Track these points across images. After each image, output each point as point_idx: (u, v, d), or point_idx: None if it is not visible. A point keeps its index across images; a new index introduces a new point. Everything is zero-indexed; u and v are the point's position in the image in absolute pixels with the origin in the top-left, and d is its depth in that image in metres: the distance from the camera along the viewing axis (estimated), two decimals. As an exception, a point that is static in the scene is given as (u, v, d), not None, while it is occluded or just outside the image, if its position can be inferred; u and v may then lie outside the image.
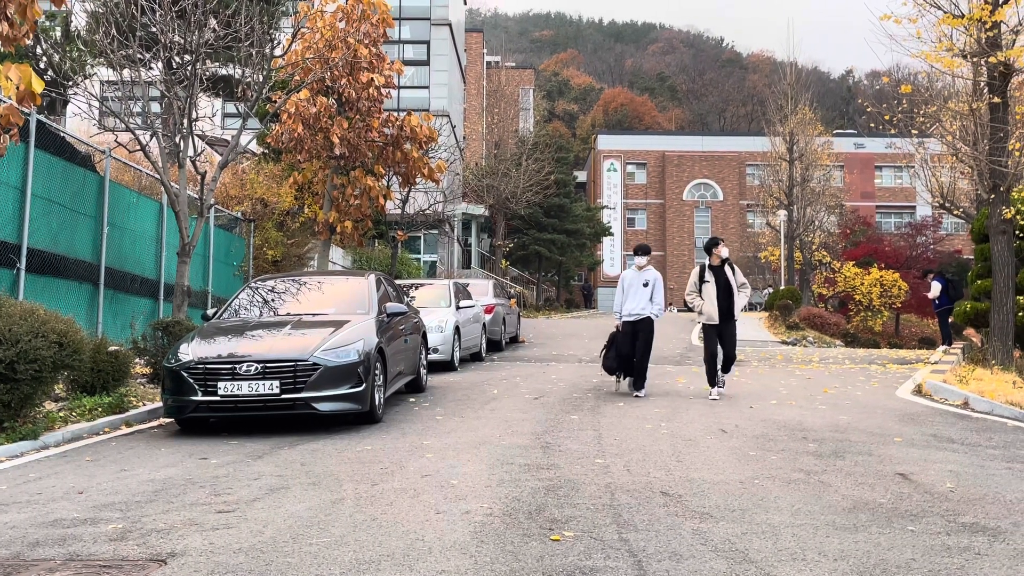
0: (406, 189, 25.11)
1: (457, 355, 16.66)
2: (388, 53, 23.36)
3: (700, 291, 12.28)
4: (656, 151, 71.54)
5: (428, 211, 33.12)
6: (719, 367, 12.31)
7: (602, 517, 5.68)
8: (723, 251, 12.38)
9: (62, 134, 13.62)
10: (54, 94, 15.23)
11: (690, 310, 12.98)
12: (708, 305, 12.16)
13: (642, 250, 12.81)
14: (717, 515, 5.75)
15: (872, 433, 9.33)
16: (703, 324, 12.39)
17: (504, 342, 21.75)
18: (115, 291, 14.34)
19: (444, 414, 10.51)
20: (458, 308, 17.21)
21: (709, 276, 12.25)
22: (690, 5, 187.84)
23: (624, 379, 12.77)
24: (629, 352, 12.34)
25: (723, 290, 12.14)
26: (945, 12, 14.70)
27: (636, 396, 12.11)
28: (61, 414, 9.40)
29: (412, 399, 11.85)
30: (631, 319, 12.37)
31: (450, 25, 46.91)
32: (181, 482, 6.84)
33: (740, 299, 12.20)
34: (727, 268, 12.27)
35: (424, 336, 13.20)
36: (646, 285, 12.38)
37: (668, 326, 30.84)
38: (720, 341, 12.23)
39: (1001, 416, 11.00)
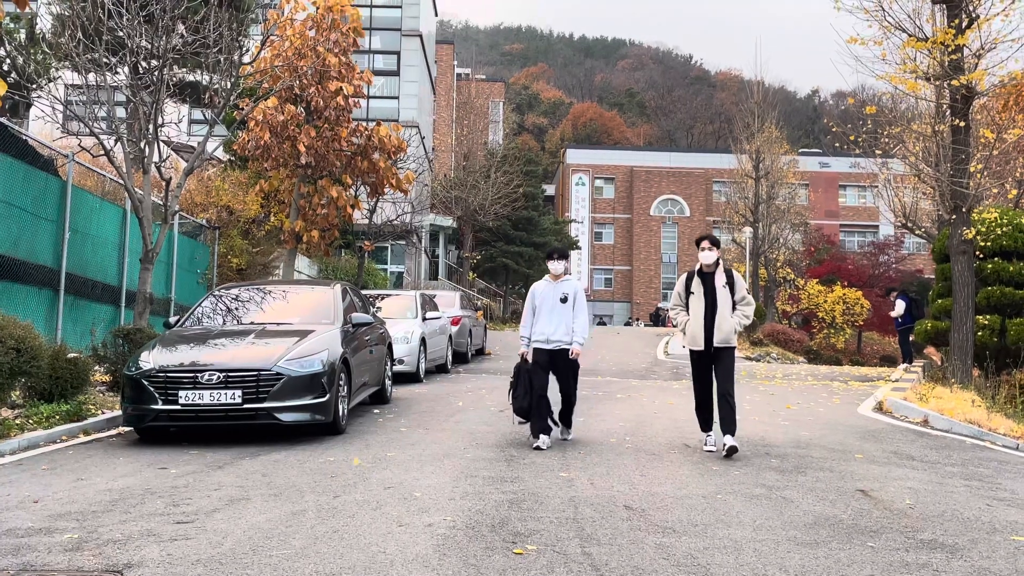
0: (374, 199, 25.06)
1: (423, 367, 16.60)
2: (358, 63, 23.33)
3: (687, 305, 9.23)
4: (624, 166, 71.94)
5: (396, 222, 33.05)
6: (716, 416, 9.04)
7: (565, 531, 5.67)
8: (706, 255, 9.12)
9: (24, 137, 13.44)
10: (17, 97, 15.03)
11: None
12: (693, 323, 9.05)
13: (559, 253, 9.62)
14: (680, 530, 5.76)
15: (834, 449, 9.40)
16: (689, 351, 9.29)
17: (470, 354, 21.71)
18: (76, 297, 14.14)
19: (409, 426, 10.46)
20: (424, 319, 17.16)
21: (697, 286, 9.14)
22: (660, 22, 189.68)
23: (539, 433, 9.13)
24: (544, 387, 9.22)
25: (713, 305, 9.03)
26: (910, 35, 14.95)
27: (564, 440, 9.51)
28: (17, 422, 9.23)
29: (376, 410, 11.77)
30: (545, 347, 9.29)
31: (421, 36, 46.91)
32: (139, 492, 6.73)
33: (735, 319, 8.99)
34: (720, 276, 9.13)
35: (390, 347, 13.14)
36: (564, 300, 9.32)
37: (634, 340, 30.96)
38: (716, 376, 9.00)
39: (960, 434, 11.14)
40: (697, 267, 9.27)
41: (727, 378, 8.90)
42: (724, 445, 8.65)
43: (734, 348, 9.07)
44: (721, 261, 9.31)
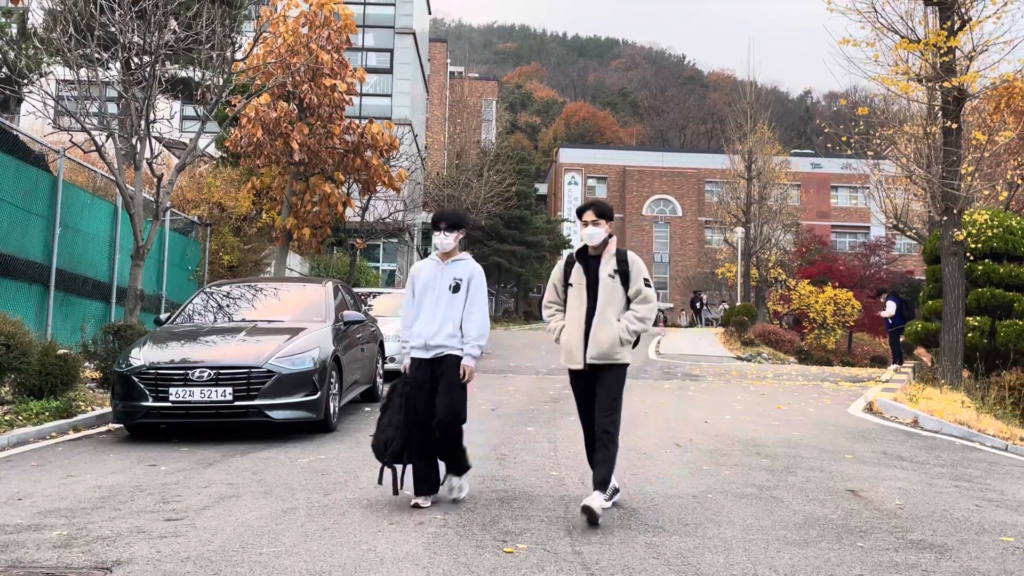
0: (366, 197, 25.03)
1: (414, 365, 16.55)
2: (351, 60, 23.29)
3: (565, 302, 6.51)
4: (617, 165, 71.98)
5: (388, 219, 33.01)
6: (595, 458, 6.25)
7: (556, 530, 5.67)
8: (594, 230, 6.30)
9: (15, 132, 13.38)
10: (8, 91, 14.98)
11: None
12: (569, 330, 6.37)
13: (448, 222, 6.55)
14: (670, 529, 5.77)
15: (824, 449, 9.42)
16: (568, 371, 6.47)
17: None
18: (66, 293, 14.09)
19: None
20: (416, 318, 17.13)
21: (578, 275, 6.41)
22: (653, 22, 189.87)
23: (422, 489, 6.34)
24: (424, 416, 6.32)
25: (595, 302, 6.28)
26: (902, 37, 14.99)
27: (454, 500, 6.43)
28: (7, 418, 9.20)
29: (368, 408, 11.76)
30: (424, 355, 6.44)
31: (414, 34, 46.86)
32: (129, 489, 6.71)
33: (621, 324, 6.23)
34: (610, 261, 6.33)
35: (381, 345, 13.13)
36: (456, 290, 6.49)
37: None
38: (597, 406, 6.26)
39: (949, 435, 11.18)
40: (578, 248, 6.51)
41: (607, 407, 6.14)
42: (584, 504, 5.82)
43: (623, 367, 6.27)
44: (614, 240, 6.41)
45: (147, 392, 8.88)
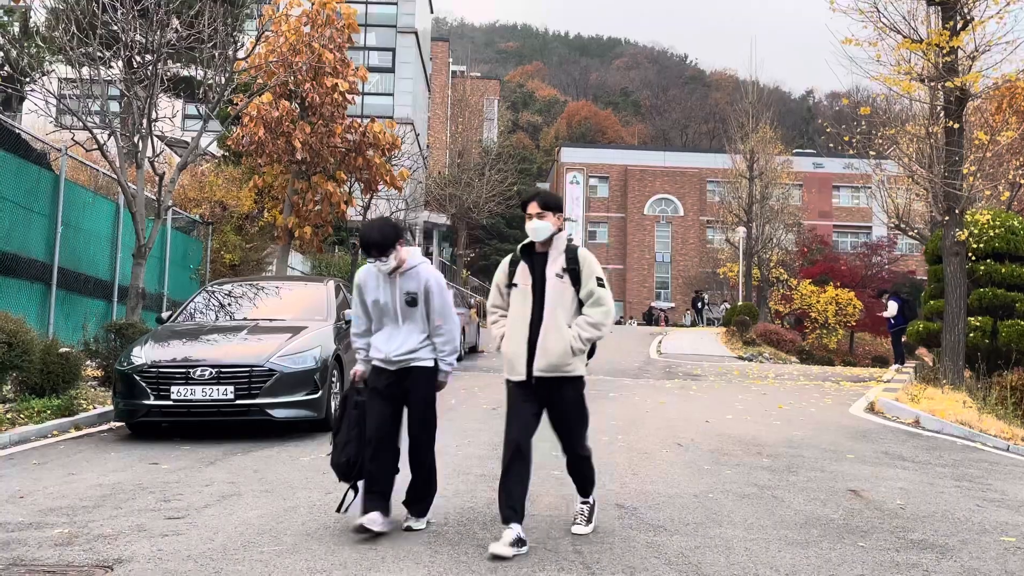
0: (368, 196, 25.03)
1: (415, 364, 16.55)
2: (353, 59, 23.29)
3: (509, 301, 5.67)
4: (619, 165, 71.94)
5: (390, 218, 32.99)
6: (577, 483, 5.86)
7: (557, 529, 5.67)
8: (539, 224, 5.46)
9: (17, 131, 13.39)
10: (10, 90, 14.99)
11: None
12: (511, 337, 5.59)
13: (376, 246, 5.58)
14: (671, 528, 5.77)
15: (825, 449, 9.42)
16: (506, 381, 5.67)
17: (463, 352, 21.70)
18: (68, 292, 14.10)
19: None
20: (417, 317, 17.13)
21: (522, 275, 5.57)
22: (655, 22, 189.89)
23: (370, 509, 5.46)
24: (387, 434, 5.60)
25: (540, 307, 5.46)
26: (904, 37, 14.98)
27: (409, 528, 5.64)
28: (8, 416, 9.20)
29: (369, 407, 11.74)
30: (389, 365, 5.66)
31: (416, 33, 46.87)
32: (130, 487, 6.72)
33: (573, 331, 5.39)
34: (558, 259, 5.51)
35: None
36: (413, 303, 5.66)
37: (627, 339, 30.97)
38: (552, 425, 5.67)
39: (951, 435, 11.17)
40: (522, 244, 5.65)
41: (571, 428, 5.59)
42: (581, 509, 5.79)
43: (578, 379, 5.47)
44: (563, 235, 5.61)
45: (148, 390, 8.89)
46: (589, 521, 5.70)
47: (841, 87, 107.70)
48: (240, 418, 9.04)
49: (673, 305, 64.35)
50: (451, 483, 6.98)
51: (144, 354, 9.23)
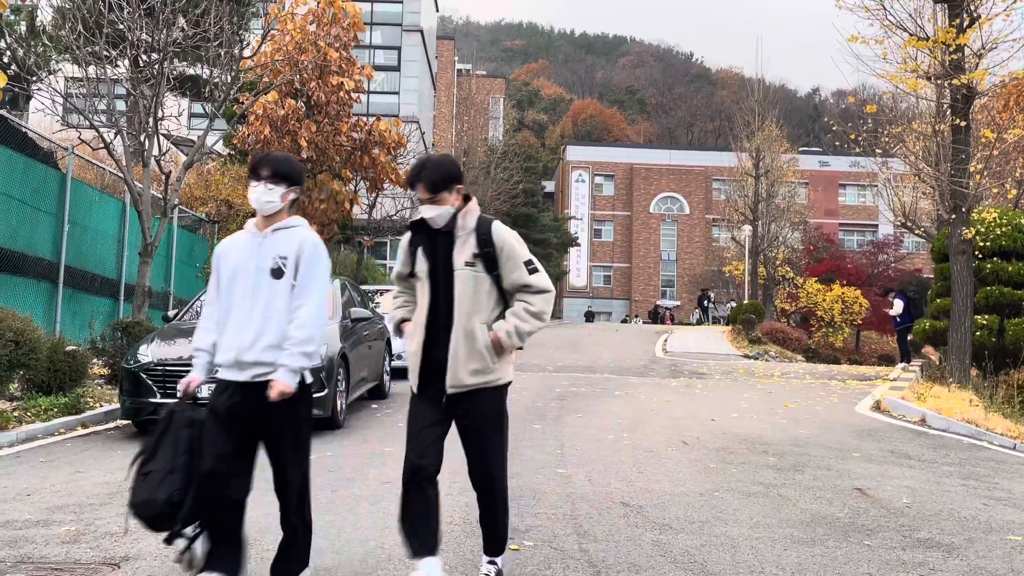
0: (373, 194, 25.03)
1: (421, 362, 16.57)
2: (359, 57, 23.30)
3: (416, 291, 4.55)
4: (624, 163, 71.90)
5: (395, 217, 33.01)
6: (485, 531, 4.70)
7: (562, 527, 5.67)
8: (431, 211, 4.31)
9: (24, 130, 13.43)
10: (17, 89, 15.01)
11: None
12: (414, 335, 4.46)
13: (272, 167, 4.28)
14: (677, 527, 5.77)
15: (831, 448, 9.41)
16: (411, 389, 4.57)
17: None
18: (74, 290, 14.14)
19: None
20: (423, 315, 17.14)
21: (423, 260, 4.39)
22: (661, 20, 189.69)
23: (197, 544, 4.21)
24: (227, 469, 4.24)
25: (449, 301, 4.32)
26: (911, 34, 14.94)
27: None
28: (15, 414, 9.23)
29: (375, 405, 11.77)
30: (237, 376, 4.22)
31: (422, 32, 46.87)
32: (137, 485, 6.73)
33: (519, 320, 4.29)
34: (467, 242, 4.32)
35: (388, 342, 13.14)
36: (280, 273, 4.19)
37: (632, 337, 30.95)
38: (461, 439, 4.65)
39: (957, 433, 11.15)
40: (414, 219, 4.47)
41: (483, 446, 4.59)
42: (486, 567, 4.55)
43: (500, 389, 4.48)
44: (472, 210, 4.34)
45: (155, 388, 8.91)
46: None
47: (847, 85, 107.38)
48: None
49: (679, 303, 64.31)
50: (456, 480, 6.97)
51: (150, 352, 9.25)
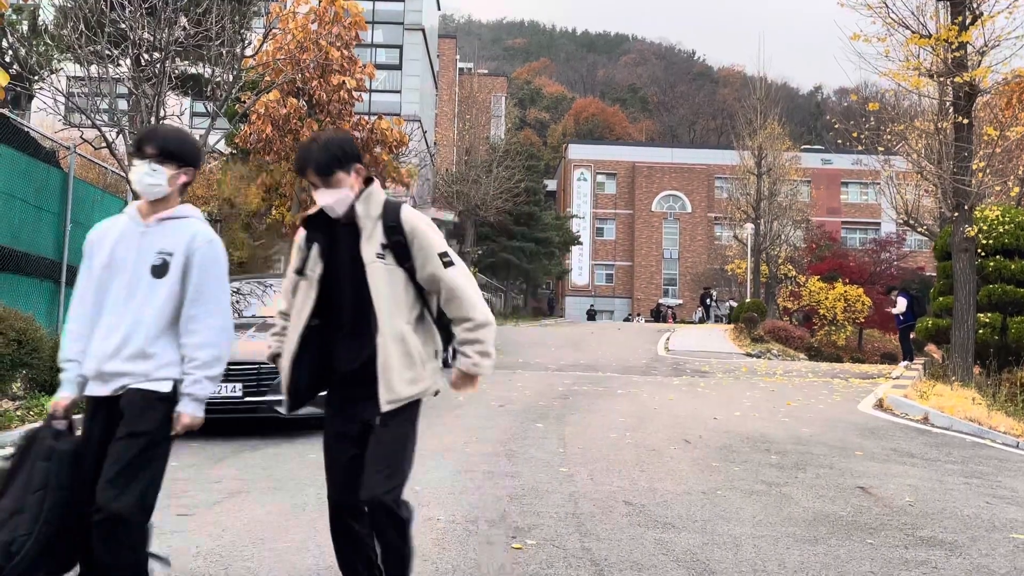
0: (375, 193, 25.03)
1: (423, 361, 16.57)
2: (360, 56, 23.30)
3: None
4: (626, 162, 71.88)
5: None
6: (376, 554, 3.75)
7: (565, 526, 5.67)
8: (327, 196, 3.61)
9: (26, 129, 13.43)
10: (19, 88, 15.02)
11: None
12: (286, 345, 3.78)
13: (159, 145, 3.56)
14: (679, 525, 5.76)
15: (834, 446, 9.40)
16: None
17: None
18: (77, 289, 14.14)
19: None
20: (425, 314, 17.13)
21: (318, 260, 3.69)
22: (663, 18, 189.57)
23: None
24: (77, 500, 3.33)
25: (362, 307, 3.61)
26: (913, 32, 14.93)
27: None
28: (18, 413, 9.24)
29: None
30: (99, 389, 3.51)
31: (423, 30, 46.87)
32: (139, 484, 6.73)
33: (473, 359, 3.68)
34: (375, 232, 3.62)
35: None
36: (162, 271, 3.49)
37: (635, 336, 30.95)
38: (365, 465, 3.66)
39: (960, 432, 11.14)
40: (311, 211, 3.78)
41: (385, 464, 3.60)
42: None
43: (413, 405, 3.70)
44: (376, 194, 3.70)
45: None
46: None
47: (849, 83, 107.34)
48: (249, 415, 9.06)
49: (681, 302, 64.28)
50: (459, 480, 6.99)
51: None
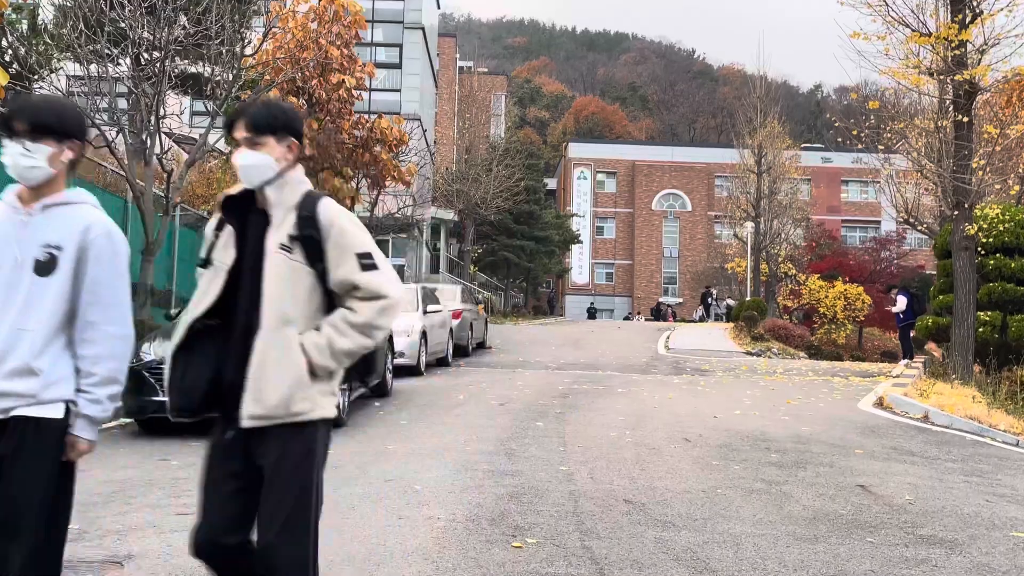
0: (375, 192, 25.05)
1: (423, 360, 16.59)
2: (360, 55, 23.30)
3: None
4: (626, 160, 71.85)
5: (397, 215, 33.03)
6: None
7: (565, 524, 5.67)
8: (249, 157, 3.01)
9: (26, 128, 13.42)
10: (19, 87, 15.01)
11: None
12: (171, 341, 3.18)
13: (30, 118, 2.89)
14: (679, 524, 5.77)
15: (834, 444, 9.40)
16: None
17: (471, 348, 21.69)
18: (77, 288, 14.14)
19: (409, 419, 10.47)
20: (425, 313, 17.15)
21: (225, 246, 3.12)
22: (663, 16, 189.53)
23: None
24: None
25: (254, 302, 3.00)
26: (913, 30, 14.92)
27: None
28: (18, 412, 9.24)
29: (377, 403, 11.78)
30: None
31: (423, 29, 46.84)
32: (140, 483, 6.74)
33: (334, 332, 2.98)
34: (286, 220, 3.02)
35: (390, 340, 13.14)
36: (48, 268, 2.87)
37: (635, 334, 30.94)
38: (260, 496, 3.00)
39: (960, 430, 11.14)
40: (227, 194, 3.19)
41: (279, 506, 3.00)
42: None
43: (314, 426, 3.03)
44: (298, 178, 3.11)
45: (158, 387, 8.91)
46: None
47: (849, 81, 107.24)
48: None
49: (681, 300, 64.28)
50: (459, 479, 6.99)
51: (153, 351, 9.26)
